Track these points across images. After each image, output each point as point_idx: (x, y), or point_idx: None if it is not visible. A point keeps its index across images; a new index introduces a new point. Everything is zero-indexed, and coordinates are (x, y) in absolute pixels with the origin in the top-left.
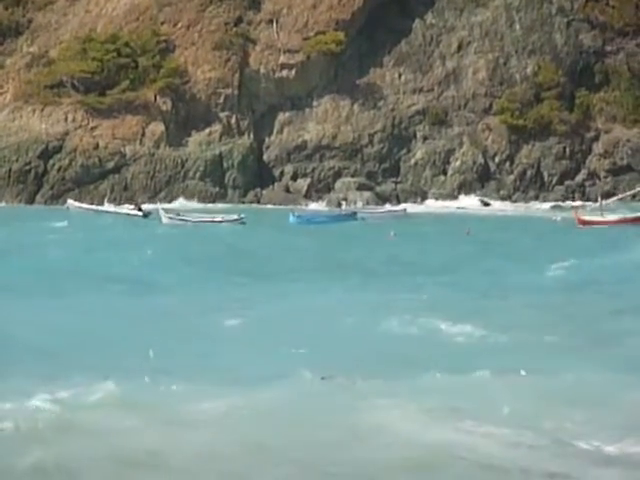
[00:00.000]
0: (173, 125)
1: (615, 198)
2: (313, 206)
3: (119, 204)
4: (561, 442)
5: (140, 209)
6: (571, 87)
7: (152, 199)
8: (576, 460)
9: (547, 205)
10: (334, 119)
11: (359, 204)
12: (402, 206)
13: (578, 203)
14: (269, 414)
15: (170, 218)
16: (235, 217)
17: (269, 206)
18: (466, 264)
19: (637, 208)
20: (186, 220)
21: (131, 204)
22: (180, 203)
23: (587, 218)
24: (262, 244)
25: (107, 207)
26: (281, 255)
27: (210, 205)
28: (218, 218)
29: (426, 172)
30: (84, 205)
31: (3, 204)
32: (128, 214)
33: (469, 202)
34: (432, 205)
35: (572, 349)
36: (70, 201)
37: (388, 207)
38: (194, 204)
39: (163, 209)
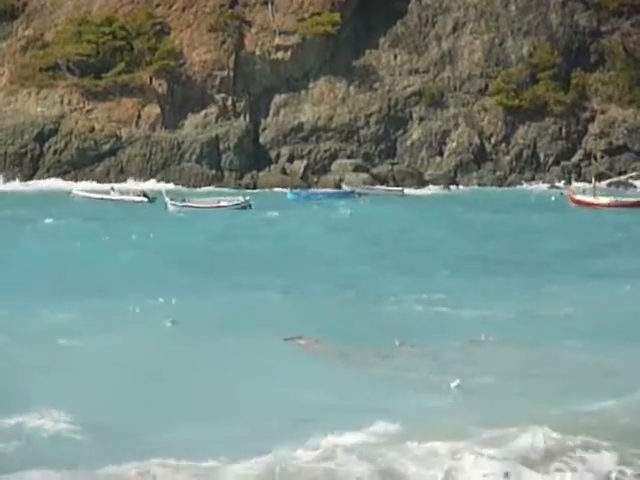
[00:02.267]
0: (169, 107)
1: (609, 181)
2: None
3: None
4: None
5: (145, 195)
6: (567, 67)
7: (148, 182)
8: None
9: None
10: (330, 101)
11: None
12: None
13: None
14: None
15: (175, 205)
16: (241, 200)
17: (264, 190)
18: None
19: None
20: (191, 206)
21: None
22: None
23: (579, 198)
24: None
25: (112, 195)
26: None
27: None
28: (224, 202)
29: (422, 153)
30: (90, 194)
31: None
32: (134, 201)
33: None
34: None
35: None
36: (75, 190)
37: (385, 187)
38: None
39: (168, 196)
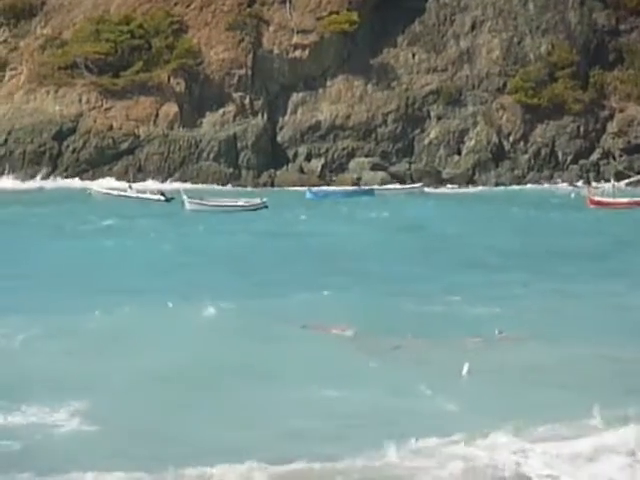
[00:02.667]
0: (187, 106)
1: (627, 180)
2: None
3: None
4: None
5: (163, 194)
6: (585, 66)
7: (166, 181)
8: None
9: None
10: (348, 99)
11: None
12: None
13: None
14: None
15: (192, 204)
16: (258, 201)
17: (282, 188)
18: None
19: None
20: (209, 205)
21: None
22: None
23: (598, 198)
24: None
25: (130, 192)
26: None
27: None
28: (240, 202)
29: (440, 152)
30: (109, 191)
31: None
32: (150, 199)
33: None
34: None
35: None
36: (94, 187)
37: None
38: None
39: (186, 194)
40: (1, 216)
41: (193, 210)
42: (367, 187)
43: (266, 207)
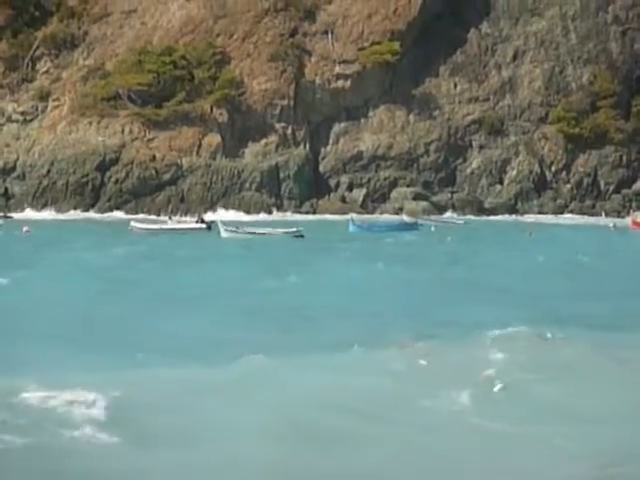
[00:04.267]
0: (229, 136)
1: None
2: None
3: (175, 215)
4: None
5: (203, 221)
6: (627, 95)
7: (209, 211)
8: None
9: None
10: (390, 129)
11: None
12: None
13: None
14: None
15: (228, 231)
16: (294, 229)
17: (324, 216)
18: None
19: None
20: (245, 233)
21: (193, 217)
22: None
23: None
24: None
25: (171, 224)
26: None
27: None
28: (277, 230)
29: (482, 181)
30: (148, 225)
31: (60, 215)
32: (193, 229)
33: None
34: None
35: None
36: (133, 223)
37: (448, 215)
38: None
39: (222, 222)
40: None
41: (228, 238)
42: (410, 220)
43: (302, 236)
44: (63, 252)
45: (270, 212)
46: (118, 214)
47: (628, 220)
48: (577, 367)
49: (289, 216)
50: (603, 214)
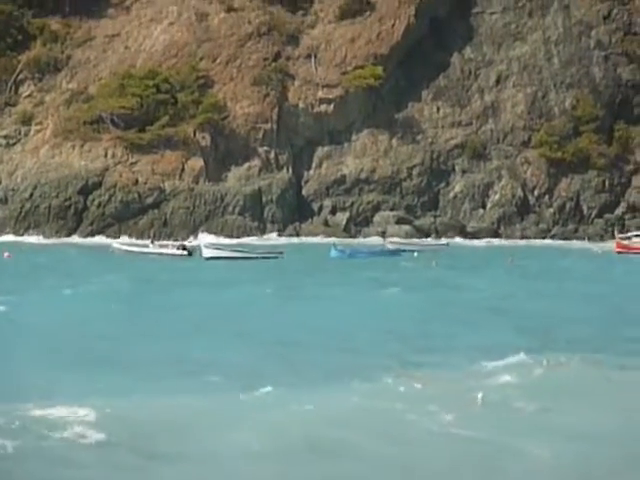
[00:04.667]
0: (212, 160)
1: None
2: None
3: (157, 240)
4: None
5: (185, 247)
6: (610, 120)
7: (191, 235)
8: None
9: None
10: (373, 153)
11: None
12: (443, 240)
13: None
14: None
15: (209, 250)
16: (274, 251)
17: (304, 239)
18: None
19: None
20: (227, 251)
21: (171, 242)
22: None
23: (626, 243)
24: None
25: (152, 248)
26: None
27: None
28: (258, 252)
29: (465, 205)
30: (130, 247)
31: (43, 239)
32: (174, 254)
33: None
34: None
35: None
36: (115, 244)
37: (430, 240)
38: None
39: (204, 243)
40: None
41: (210, 257)
42: (393, 247)
43: (282, 257)
44: (47, 278)
45: (253, 235)
46: (100, 239)
47: (610, 244)
48: (568, 388)
49: (273, 239)
50: (586, 238)
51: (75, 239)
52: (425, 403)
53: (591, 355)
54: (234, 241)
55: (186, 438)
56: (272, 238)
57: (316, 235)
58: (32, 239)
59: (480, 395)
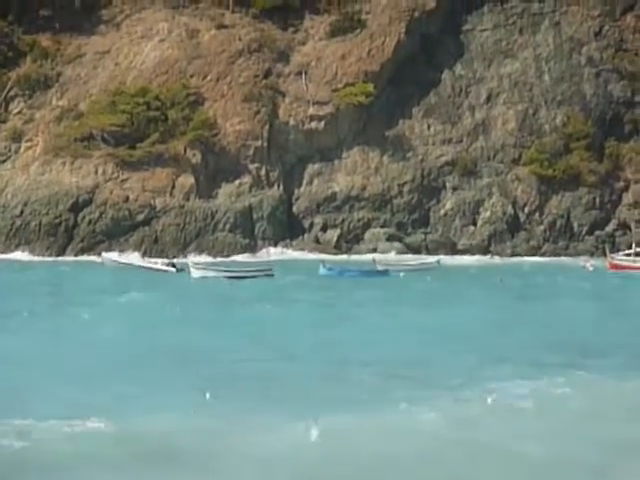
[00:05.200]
0: (203, 177)
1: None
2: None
3: (148, 256)
4: None
5: (174, 265)
6: (600, 137)
7: (182, 252)
8: None
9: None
10: (363, 170)
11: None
12: (434, 258)
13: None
14: None
15: (199, 271)
16: (264, 269)
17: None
18: None
19: None
20: (216, 271)
21: (162, 259)
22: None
23: (618, 262)
24: None
25: (142, 262)
26: None
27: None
28: (248, 269)
29: (456, 222)
30: (120, 259)
31: (33, 257)
32: (161, 270)
33: None
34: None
35: None
36: (105, 255)
37: (421, 259)
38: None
39: (192, 263)
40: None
41: (200, 277)
42: (382, 268)
43: (272, 275)
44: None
45: (243, 253)
46: (90, 257)
47: (602, 261)
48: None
49: (264, 256)
50: (582, 259)
51: (65, 258)
52: None
53: None
54: (226, 259)
55: None
56: (266, 254)
57: (305, 251)
58: (22, 256)
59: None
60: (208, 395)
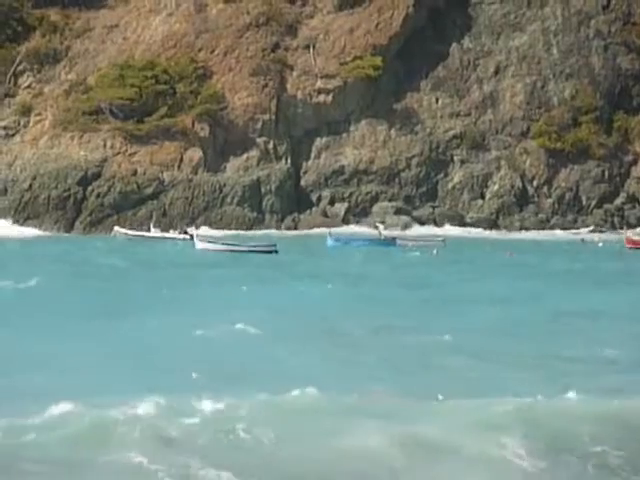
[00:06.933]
0: (211, 151)
1: None
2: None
3: (158, 229)
4: None
5: (186, 232)
6: (609, 110)
7: (190, 225)
8: None
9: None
10: (371, 144)
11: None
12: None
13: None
14: None
15: (202, 242)
16: (268, 244)
17: (305, 232)
18: None
19: None
20: (217, 245)
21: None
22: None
23: (637, 239)
24: None
25: (154, 232)
26: None
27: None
28: (249, 245)
29: (464, 196)
30: (131, 232)
31: (42, 232)
32: (175, 238)
33: None
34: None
35: None
36: (117, 228)
37: (425, 234)
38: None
39: (197, 235)
40: None
41: (203, 249)
42: (390, 237)
43: (276, 252)
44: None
45: (251, 227)
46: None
47: (612, 236)
48: None
49: (273, 231)
50: (587, 229)
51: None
52: None
53: None
54: (232, 232)
55: None
56: (271, 230)
57: (314, 227)
58: (30, 232)
59: None
60: None
